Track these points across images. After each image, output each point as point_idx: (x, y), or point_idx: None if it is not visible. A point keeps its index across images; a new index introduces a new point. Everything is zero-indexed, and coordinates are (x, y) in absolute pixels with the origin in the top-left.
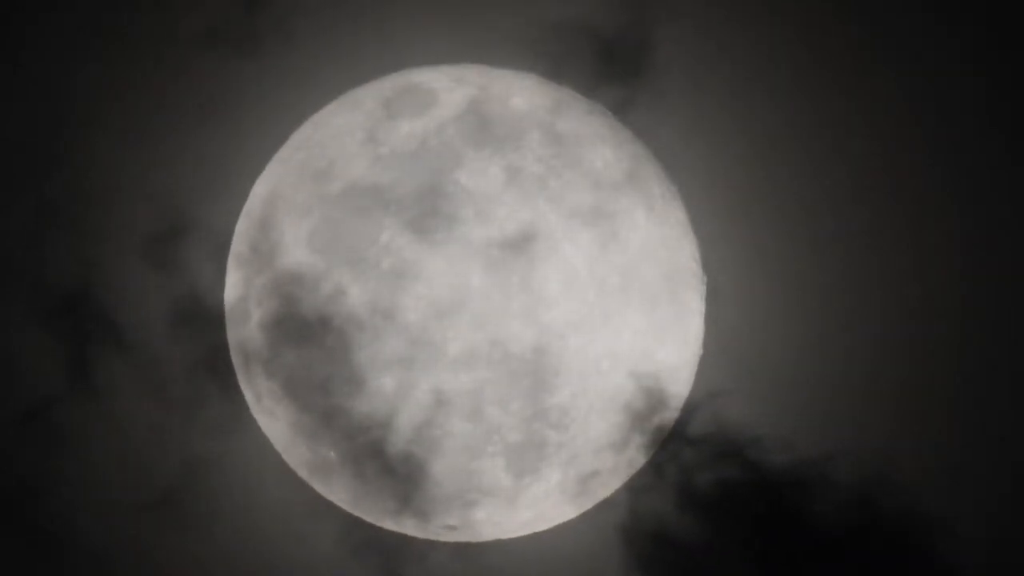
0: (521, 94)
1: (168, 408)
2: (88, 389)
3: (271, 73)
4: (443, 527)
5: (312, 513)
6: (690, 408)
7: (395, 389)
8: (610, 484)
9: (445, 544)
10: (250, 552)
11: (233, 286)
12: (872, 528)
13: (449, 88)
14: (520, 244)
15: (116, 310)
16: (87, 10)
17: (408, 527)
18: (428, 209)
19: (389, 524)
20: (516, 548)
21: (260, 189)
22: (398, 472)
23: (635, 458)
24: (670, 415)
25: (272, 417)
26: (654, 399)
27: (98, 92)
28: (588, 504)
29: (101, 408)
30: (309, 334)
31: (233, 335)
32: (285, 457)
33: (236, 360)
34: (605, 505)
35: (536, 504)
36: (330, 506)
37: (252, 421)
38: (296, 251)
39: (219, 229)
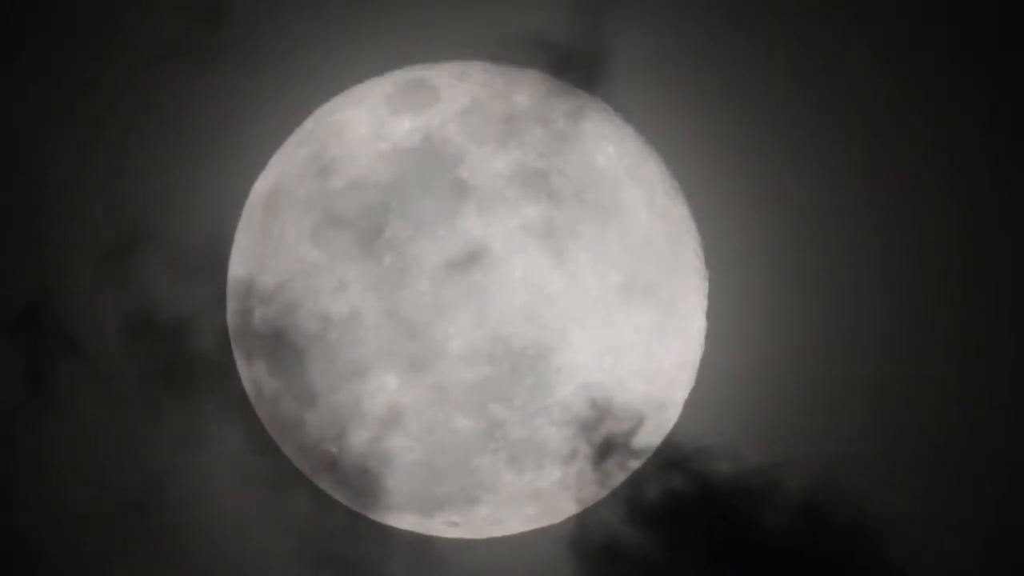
0: (524, 90)
1: (126, 420)
2: (45, 400)
3: (268, 73)
4: (445, 523)
5: (272, 523)
6: (639, 419)
7: (398, 386)
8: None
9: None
10: (211, 563)
11: (235, 284)
12: (821, 535)
13: (451, 84)
14: (522, 239)
15: (73, 321)
16: (48, 15)
17: (409, 523)
18: (428, 205)
19: (392, 519)
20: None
21: (262, 185)
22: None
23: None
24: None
25: (274, 411)
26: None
27: (57, 100)
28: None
29: (59, 420)
30: (311, 329)
31: (234, 329)
32: (285, 451)
33: (238, 353)
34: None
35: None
36: (289, 518)
37: (210, 432)
38: (299, 246)
39: (176, 241)
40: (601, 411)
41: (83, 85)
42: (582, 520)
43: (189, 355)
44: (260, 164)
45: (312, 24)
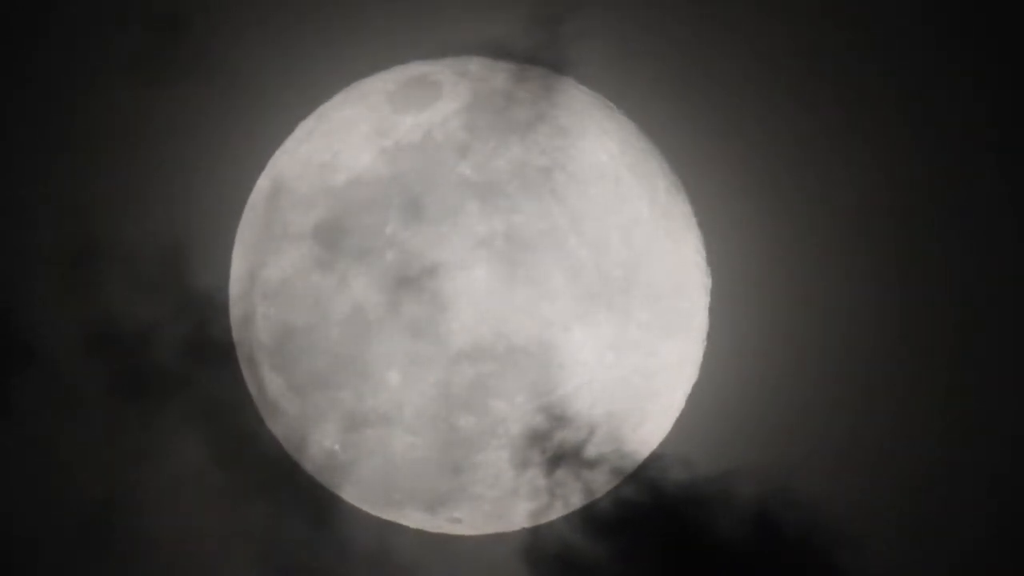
0: (526, 87)
1: (84, 433)
2: (1, 412)
3: (264, 72)
4: (448, 519)
5: (229, 536)
6: (590, 428)
7: (401, 382)
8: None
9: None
10: (172, 574)
11: (238, 280)
12: (775, 542)
13: (453, 81)
14: (524, 237)
15: (31, 331)
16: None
17: (414, 520)
18: (431, 200)
19: (393, 515)
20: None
21: (265, 182)
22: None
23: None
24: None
25: (277, 411)
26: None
27: (15, 108)
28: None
29: (15, 432)
30: (314, 326)
31: (237, 328)
32: (286, 448)
33: (241, 354)
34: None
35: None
36: (247, 531)
37: (168, 446)
38: (301, 243)
39: (133, 250)
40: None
41: (57, 90)
42: (533, 529)
43: (149, 366)
44: (259, 164)
45: (312, 22)
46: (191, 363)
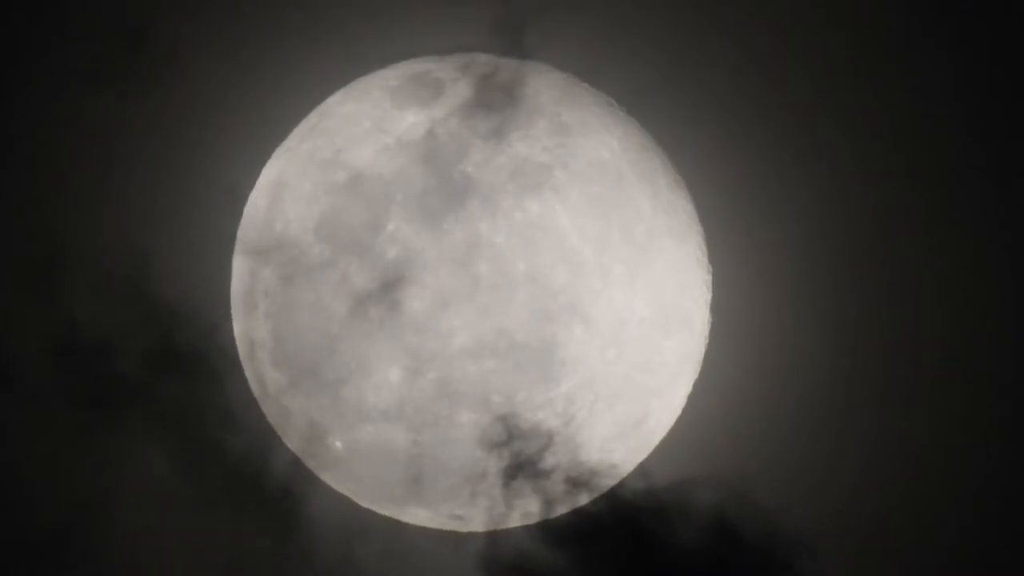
0: (527, 84)
1: (51, 443)
2: None
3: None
4: (451, 516)
5: (196, 545)
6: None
7: (402, 379)
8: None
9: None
10: None
11: (240, 277)
12: (734, 549)
13: (455, 77)
14: (526, 233)
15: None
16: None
17: (417, 517)
18: (434, 199)
19: (394, 510)
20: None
21: (266, 179)
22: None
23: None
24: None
25: (278, 406)
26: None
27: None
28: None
29: None
30: (315, 322)
31: (239, 324)
32: (286, 441)
33: (242, 349)
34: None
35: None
36: (215, 539)
37: (136, 455)
38: (303, 239)
39: (97, 259)
40: (606, 402)
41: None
42: (491, 538)
43: (110, 377)
44: (261, 161)
45: (314, 19)
46: (152, 372)
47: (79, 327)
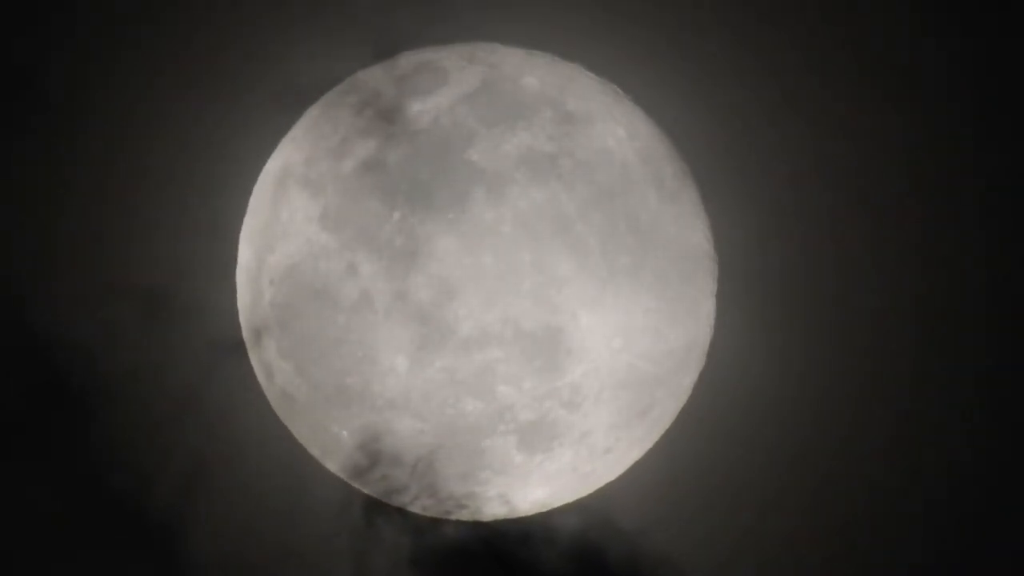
0: (532, 73)
1: (15, 456)
2: None
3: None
4: (455, 505)
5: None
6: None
7: (408, 369)
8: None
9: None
10: None
11: (245, 267)
12: (601, 574)
13: (460, 67)
14: (531, 224)
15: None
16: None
17: (418, 506)
18: (440, 188)
19: (398, 499)
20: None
21: (272, 166)
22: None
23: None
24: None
25: (285, 395)
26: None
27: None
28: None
29: None
30: (322, 312)
31: (244, 314)
32: (294, 433)
33: (247, 338)
34: None
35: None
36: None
37: (104, 467)
38: (308, 229)
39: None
40: (611, 391)
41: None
42: (358, 569)
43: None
44: (267, 150)
45: (319, 8)
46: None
47: (35, 333)
